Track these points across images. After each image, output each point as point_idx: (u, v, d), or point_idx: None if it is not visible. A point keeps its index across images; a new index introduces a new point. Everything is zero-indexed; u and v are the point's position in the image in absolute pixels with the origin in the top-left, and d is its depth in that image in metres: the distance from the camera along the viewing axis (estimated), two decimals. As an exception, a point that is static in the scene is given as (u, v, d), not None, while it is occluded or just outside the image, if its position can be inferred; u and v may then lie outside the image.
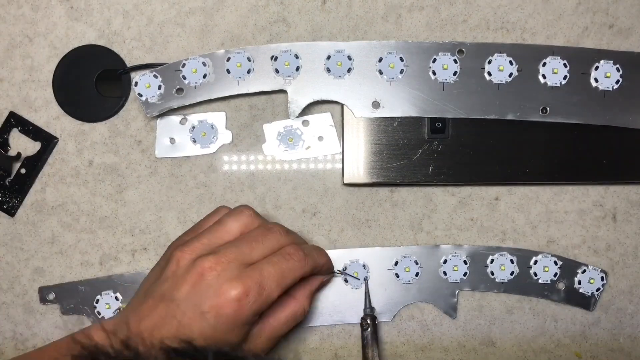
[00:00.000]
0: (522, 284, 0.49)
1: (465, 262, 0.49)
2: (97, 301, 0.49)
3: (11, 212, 0.50)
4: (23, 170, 0.50)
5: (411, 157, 0.49)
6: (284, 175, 0.50)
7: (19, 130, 0.50)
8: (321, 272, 0.45)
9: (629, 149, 0.49)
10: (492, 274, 0.49)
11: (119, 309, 0.49)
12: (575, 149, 0.49)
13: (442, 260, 0.49)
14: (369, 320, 0.47)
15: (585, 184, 0.50)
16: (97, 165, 0.50)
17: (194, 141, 0.50)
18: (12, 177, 0.50)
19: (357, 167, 0.49)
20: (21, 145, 0.50)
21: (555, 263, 0.49)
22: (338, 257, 0.49)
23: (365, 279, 0.49)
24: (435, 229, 0.50)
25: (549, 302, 0.50)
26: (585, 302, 0.50)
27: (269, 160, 0.50)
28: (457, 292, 0.50)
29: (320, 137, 0.50)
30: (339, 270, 0.49)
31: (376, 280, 0.49)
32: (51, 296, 0.49)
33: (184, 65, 0.48)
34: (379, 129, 0.49)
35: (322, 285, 0.47)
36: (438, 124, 0.49)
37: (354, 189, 0.50)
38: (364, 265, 0.49)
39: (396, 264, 0.49)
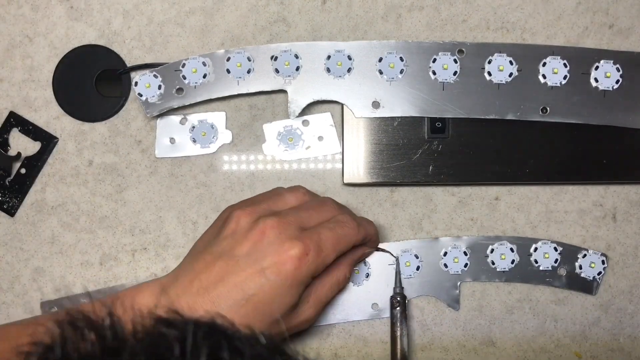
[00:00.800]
0: (524, 272, 0.50)
1: (465, 253, 0.49)
2: None
3: (11, 212, 0.50)
4: (23, 170, 0.50)
5: (411, 157, 0.49)
6: (284, 175, 0.50)
7: (19, 130, 0.50)
8: (369, 242, 0.46)
9: (629, 149, 0.49)
10: (493, 263, 0.49)
11: None
12: (575, 149, 0.49)
13: (442, 253, 0.49)
14: (399, 299, 0.48)
15: (585, 183, 0.50)
16: (97, 165, 0.50)
17: (194, 141, 0.50)
18: (12, 177, 0.50)
19: (357, 167, 0.49)
20: (21, 145, 0.50)
21: (555, 249, 0.49)
22: None
23: (397, 258, 0.49)
24: (435, 229, 0.50)
25: (549, 303, 0.50)
26: (588, 286, 0.50)
27: (269, 160, 0.50)
28: (459, 283, 0.50)
29: (320, 137, 0.50)
30: (384, 250, 0.49)
31: (377, 277, 0.49)
32: (54, 310, 0.49)
33: (184, 65, 0.48)
34: (379, 129, 0.49)
35: (364, 256, 0.48)
36: (438, 124, 0.49)
37: (354, 189, 0.50)
38: (364, 262, 0.49)
39: (396, 259, 0.49)
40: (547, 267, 0.49)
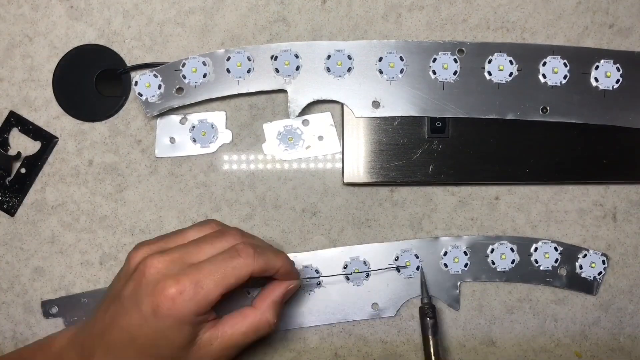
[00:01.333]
0: (524, 271, 0.49)
1: (465, 253, 0.49)
2: None
3: (11, 211, 0.50)
4: (23, 170, 0.50)
5: (411, 156, 0.49)
6: (284, 174, 0.50)
7: (19, 130, 0.50)
8: (280, 275, 0.42)
9: (629, 149, 0.49)
10: (493, 263, 0.49)
11: None
12: (575, 149, 0.49)
13: (442, 253, 0.49)
14: (427, 308, 0.47)
15: (585, 183, 0.50)
16: (97, 165, 0.50)
17: (194, 141, 0.50)
18: (12, 177, 0.50)
19: (357, 166, 0.49)
20: (21, 144, 0.50)
21: (556, 249, 0.49)
22: (338, 255, 0.49)
23: (419, 268, 0.49)
24: (436, 229, 0.50)
25: (549, 302, 0.50)
26: (588, 286, 0.50)
27: (269, 160, 0.50)
28: (459, 283, 0.50)
29: (320, 137, 0.50)
30: (321, 276, 0.48)
31: (377, 277, 0.49)
32: (54, 310, 0.49)
33: (184, 64, 0.48)
34: (379, 129, 0.49)
35: (288, 294, 0.43)
36: (438, 124, 0.49)
37: (354, 189, 0.50)
38: (364, 262, 0.49)
39: (397, 258, 0.49)
40: (548, 267, 0.49)
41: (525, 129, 0.49)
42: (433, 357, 0.47)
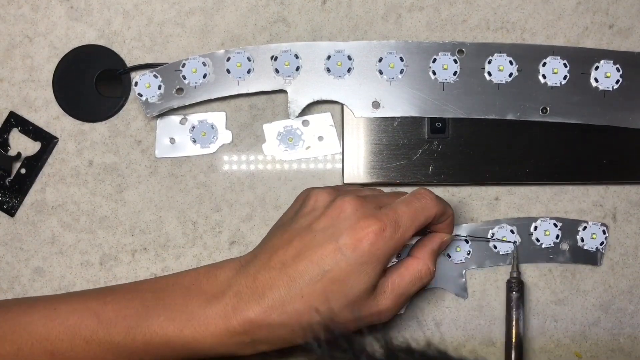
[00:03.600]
0: (527, 252, 0.50)
1: (466, 241, 0.49)
2: None
3: (11, 212, 0.50)
4: (23, 170, 0.50)
5: (411, 157, 0.49)
6: (284, 175, 0.50)
7: (19, 130, 0.50)
8: (446, 222, 0.44)
9: (629, 149, 0.49)
10: (495, 247, 0.49)
11: None
12: (575, 149, 0.49)
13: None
14: (515, 282, 0.48)
15: (585, 184, 0.50)
16: (97, 165, 0.50)
17: (194, 141, 0.50)
18: (12, 177, 0.50)
19: (357, 167, 0.49)
20: (21, 145, 0.50)
21: (555, 225, 0.49)
22: None
23: (515, 243, 0.49)
24: (435, 229, 0.50)
25: (549, 303, 0.50)
26: (592, 257, 0.50)
27: (269, 160, 0.50)
28: (464, 271, 0.50)
29: (320, 137, 0.50)
30: (470, 236, 0.49)
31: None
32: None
33: (184, 65, 0.48)
34: (379, 129, 0.49)
35: (444, 245, 0.44)
36: (438, 124, 0.49)
37: (354, 189, 0.50)
38: None
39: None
40: (550, 244, 0.49)
41: (525, 129, 0.49)
42: (514, 329, 0.47)
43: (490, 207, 0.50)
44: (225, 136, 0.50)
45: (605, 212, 0.51)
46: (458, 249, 0.49)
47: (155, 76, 0.48)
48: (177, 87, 0.48)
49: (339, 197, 0.41)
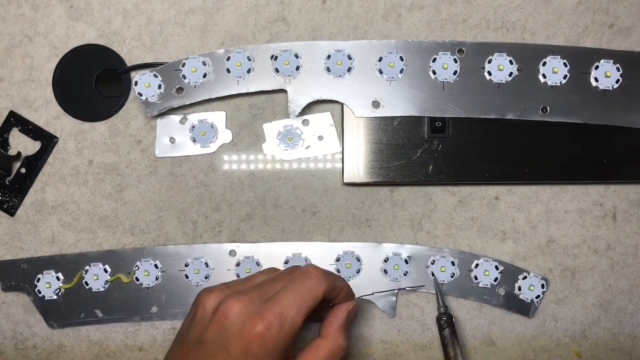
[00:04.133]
0: (462, 286, 0.49)
1: (406, 261, 0.49)
2: (38, 280, 0.49)
3: (11, 211, 0.50)
4: (23, 170, 0.50)
5: (411, 156, 0.49)
6: (284, 174, 0.50)
7: (19, 130, 0.50)
8: (342, 296, 0.43)
9: (629, 149, 0.49)
10: (433, 274, 0.49)
11: (59, 288, 0.49)
12: (575, 149, 0.49)
13: (383, 259, 0.49)
14: (445, 319, 0.48)
15: (585, 183, 0.50)
16: (97, 165, 0.50)
17: (194, 140, 0.50)
18: (12, 177, 0.50)
19: (357, 166, 0.49)
20: (21, 144, 0.50)
21: (497, 268, 0.49)
22: (280, 250, 0.49)
23: (434, 277, 0.49)
24: (435, 229, 0.50)
25: (549, 302, 0.50)
26: (525, 308, 0.50)
27: (269, 160, 0.50)
28: (396, 291, 0.49)
29: (320, 137, 0.50)
30: (374, 292, 0.48)
31: (369, 271, 0.49)
32: None
33: (184, 64, 0.48)
34: (379, 129, 0.49)
35: (351, 313, 0.43)
36: (438, 124, 0.49)
37: (354, 189, 0.50)
38: (305, 259, 0.49)
39: (338, 259, 0.49)
40: (486, 285, 0.49)
41: (525, 129, 0.49)
42: None
43: (490, 207, 0.50)
44: (225, 135, 0.50)
45: (605, 212, 0.51)
46: (396, 267, 0.49)
47: (155, 76, 0.48)
48: (177, 86, 0.48)
49: (223, 300, 0.39)
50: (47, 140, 0.50)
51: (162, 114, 0.49)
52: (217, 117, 0.50)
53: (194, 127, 0.50)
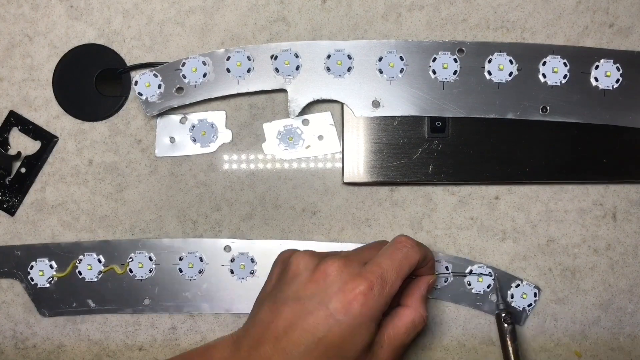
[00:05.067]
0: (456, 292, 0.49)
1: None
2: (32, 267, 0.49)
3: (11, 211, 0.50)
4: (23, 170, 0.50)
5: (411, 156, 0.49)
6: (284, 174, 0.50)
7: (19, 130, 0.50)
8: (428, 265, 0.44)
9: (629, 148, 0.49)
10: (492, 272, 0.49)
11: (52, 277, 0.49)
12: (575, 148, 0.49)
13: None
14: (504, 315, 0.48)
15: (585, 183, 0.50)
16: (97, 164, 0.50)
17: (194, 140, 0.50)
18: (12, 176, 0.50)
19: (357, 166, 0.49)
20: (21, 144, 0.50)
21: (490, 274, 0.49)
22: (275, 248, 0.49)
23: (491, 274, 0.49)
24: (435, 228, 0.50)
25: (549, 302, 0.50)
26: (517, 316, 0.50)
27: (269, 160, 0.50)
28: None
29: (320, 136, 0.50)
30: (451, 272, 0.49)
31: None
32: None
33: (184, 64, 0.48)
34: (379, 128, 0.49)
35: (431, 288, 0.44)
36: (438, 123, 0.49)
37: (354, 188, 0.50)
38: None
39: None
40: (479, 291, 0.49)
41: (525, 128, 0.49)
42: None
43: (490, 207, 0.50)
44: (225, 135, 0.50)
45: (605, 211, 0.51)
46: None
47: (155, 75, 0.48)
48: (177, 86, 0.48)
49: (322, 260, 0.40)
50: (47, 140, 0.50)
51: (162, 114, 0.49)
52: (217, 116, 0.50)
53: (194, 126, 0.50)
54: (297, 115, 0.49)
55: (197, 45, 0.50)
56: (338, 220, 0.50)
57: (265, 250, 0.49)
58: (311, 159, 0.50)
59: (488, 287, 0.49)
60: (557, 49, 0.48)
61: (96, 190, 0.50)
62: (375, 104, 0.48)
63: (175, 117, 0.50)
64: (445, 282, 0.49)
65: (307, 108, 0.49)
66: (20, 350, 0.50)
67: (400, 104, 0.48)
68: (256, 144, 0.50)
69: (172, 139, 0.50)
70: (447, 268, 0.49)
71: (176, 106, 0.49)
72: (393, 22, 0.50)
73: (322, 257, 0.41)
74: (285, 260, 0.42)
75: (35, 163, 0.50)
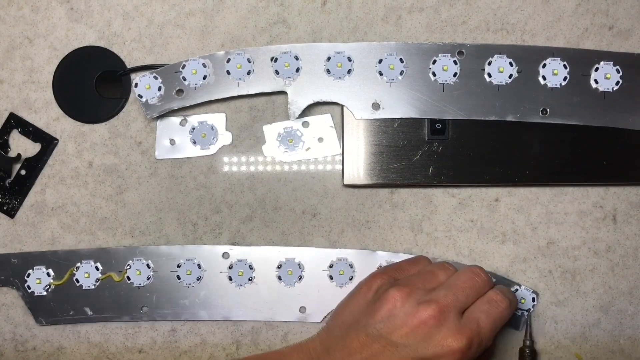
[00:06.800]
0: None
1: None
2: (28, 275, 0.49)
3: (11, 213, 0.50)
4: (23, 172, 0.50)
5: (411, 158, 0.49)
6: (284, 176, 0.50)
7: (19, 132, 0.50)
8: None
9: (629, 150, 0.49)
10: (527, 311, 0.49)
11: (49, 284, 0.49)
12: (575, 150, 0.49)
13: (377, 266, 0.49)
14: (529, 352, 0.48)
15: (585, 185, 0.50)
16: (97, 167, 0.50)
17: (194, 142, 0.50)
18: (12, 179, 0.50)
19: (357, 168, 0.49)
20: (21, 146, 0.50)
21: (532, 300, 0.49)
22: (275, 254, 0.49)
23: (528, 310, 0.49)
24: (435, 230, 0.50)
25: (549, 304, 0.50)
26: (515, 321, 0.50)
27: (269, 162, 0.50)
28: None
29: (320, 139, 0.50)
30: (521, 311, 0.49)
31: (310, 281, 0.49)
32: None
33: (184, 66, 0.48)
34: (379, 130, 0.49)
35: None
36: (438, 125, 0.49)
37: (354, 190, 0.50)
38: (299, 265, 0.49)
39: (331, 266, 0.49)
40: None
41: (525, 130, 0.49)
42: None
43: (490, 209, 0.50)
44: (225, 137, 0.50)
45: (605, 214, 0.51)
46: None
47: (155, 77, 0.48)
48: (177, 88, 0.48)
49: (420, 305, 0.40)
50: (47, 142, 0.50)
51: (162, 116, 0.49)
52: (217, 119, 0.50)
53: (194, 129, 0.50)
54: (297, 118, 0.49)
55: (197, 47, 0.50)
56: (338, 222, 0.50)
57: (264, 257, 0.49)
58: (311, 161, 0.50)
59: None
60: (557, 51, 0.48)
61: (96, 192, 0.50)
62: (375, 106, 0.48)
63: (175, 120, 0.50)
64: None
65: (307, 110, 0.49)
66: (20, 352, 0.50)
67: (400, 106, 0.48)
68: (256, 146, 0.50)
69: (172, 141, 0.50)
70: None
71: (176, 108, 0.49)
72: (393, 25, 0.50)
73: (419, 297, 0.41)
74: (379, 291, 0.42)
75: (35, 165, 0.50)
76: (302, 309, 0.49)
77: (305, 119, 0.50)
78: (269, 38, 0.50)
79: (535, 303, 0.50)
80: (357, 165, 0.49)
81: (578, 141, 0.49)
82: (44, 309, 0.49)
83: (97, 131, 0.50)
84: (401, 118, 0.49)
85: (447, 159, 0.49)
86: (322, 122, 0.50)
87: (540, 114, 0.48)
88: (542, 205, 0.50)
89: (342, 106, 0.49)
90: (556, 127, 0.49)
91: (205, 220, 0.50)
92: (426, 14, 0.50)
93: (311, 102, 0.49)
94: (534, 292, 0.50)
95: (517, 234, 0.50)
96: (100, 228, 0.50)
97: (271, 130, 0.50)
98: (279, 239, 0.50)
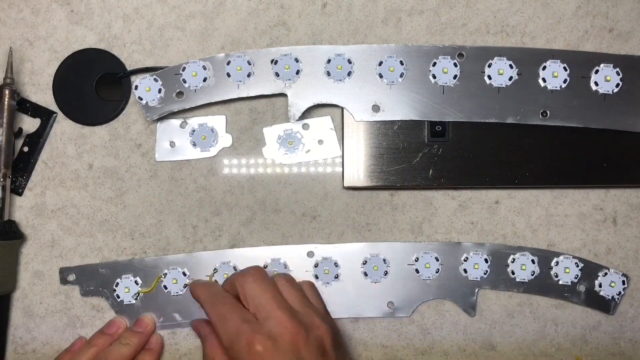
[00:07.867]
0: (543, 284, 0.49)
1: (486, 260, 0.49)
2: (117, 284, 0.49)
3: (18, 191, 0.50)
4: (26, 149, 0.50)
5: (411, 160, 0.49)
6: (284, 178, 0.50)
7: (17, 109, 0.49)
8: None
9: (629, 152, 0.49)
10: (513, 273, 0.49)
11: (138, 293, 0.49)
12: (575, 153, 0.49)
13: (463, 258, 0.49)
14: None
15: (585, 187, 0.50)
16: (97, 169, 0.50)
17: (194, 145, 0.50)
18: (15, 156, 0.49)
19: (357, 170, 0.49)
20: (21, 124, 0.50)
21: (577, 265, 0.49)
22: (359, 250, 0.49)
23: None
24: (436, 233, 0.50)
25: (549, 307, 0.50)
26: (606, 305, 0.50)
27: (269, 164, 0.50)
28: (477, 290, 0.49)
29: (321, 141, 0.50)
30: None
31: (396, 275, 0.49)
32: (71, 277, 0.49)
33: (184, 68, 0.48)
34: (379, 133, 0.49)
35: None
36: (438, 128, 0.49)
37: (354, 193, 0.50)
38: (384, 260, 0.49)
39: (417, 259, 0.49)
40: (567, 282, 0.49)
41: (525, 133, 0.49)
42: None
43: (491, 211, 0.50)
44: (225, 140, 0.50)
45: (606, 216, 0.50)
46: (476, 267, 0.49)
47: (155, 80, 0.48)
48: (177, 90, 0.48)
49: None
50: (46, 116, 0.50)
51: (162, 118, 0.49)
52: (217, 121, 0.50)
53: (194, 131, 0.50)
54: (297, 120, 0.49)
55: (198, 49, 0.50)
56: (338, 224, 0.50)
57: (349, 253, 0.49)
58: (311, 163, 0.50)
59: (576, 277, 0.49)
60: (557, 53, 0.48)
61: (96, 194, 0.50)
62: (375, 108, 0.49)
63: (175, 122, 0.50)
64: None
65: (307, 112, 0.49)
66: (19, 354, 0.50)
67: (400, 108, 0.48)
68: (256, 148, 0.50)
69: (172, 144, 0.50)
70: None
71: (176, 110, 0.49)
72: (393, 27, 0.50)
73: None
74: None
75: (37, 140, 0.50)
76: (390, 304, 0.49)
77: (306, 121, 0.50)
78: (269, 40, 0.50)
79: (626, 286, 0.49)
80: (357, 167, 0.49)
81: (578, 143, 0.49)
82: (134, 318, 0.49)
83: (97, 133, 0.50)
84: (401, 120, 0.49)
85: (447, 161, 0.49)
86: (322, 124, 0.50)
87: (540, 116, 0.48)
88: (542, 207, 0.50)
89: (342, 108, 0.49)
90: (556, 129, 0.49)
91: (205, 223, 0.50)
92: (426, 17, 0.50)
93: (311, 104, 0.49)
94: (623, 275, 0.49)
95: (517, 236, 0.50)
96: (100, 230, 0.50)
97: (271, 133, 0.50)
98: (279, 241, 0.50)
